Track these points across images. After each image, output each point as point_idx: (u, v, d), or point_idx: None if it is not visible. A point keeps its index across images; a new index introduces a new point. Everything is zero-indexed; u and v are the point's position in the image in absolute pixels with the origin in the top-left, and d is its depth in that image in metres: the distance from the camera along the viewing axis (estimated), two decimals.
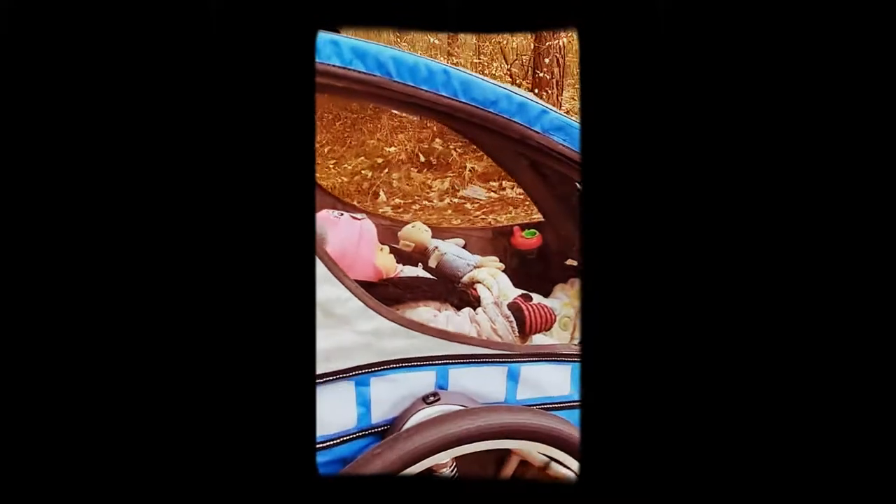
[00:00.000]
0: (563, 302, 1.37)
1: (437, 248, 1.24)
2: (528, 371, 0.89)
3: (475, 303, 1.13)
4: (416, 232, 1.26)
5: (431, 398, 0.82)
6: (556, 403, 0.91)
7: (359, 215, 1.06)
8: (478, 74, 0.78)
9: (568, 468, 0.84)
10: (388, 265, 1.07)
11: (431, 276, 1.16)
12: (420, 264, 1.21)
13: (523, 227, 1.49)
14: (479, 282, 1.20)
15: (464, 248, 1.32)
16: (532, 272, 1.45)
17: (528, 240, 1.46)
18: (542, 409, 0.88)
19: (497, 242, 1.48)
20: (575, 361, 0.93)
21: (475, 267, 1.25)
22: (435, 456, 0.76)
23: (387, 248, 1.09)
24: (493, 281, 1.20)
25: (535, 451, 0.84)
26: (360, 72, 0.70)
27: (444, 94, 0.75)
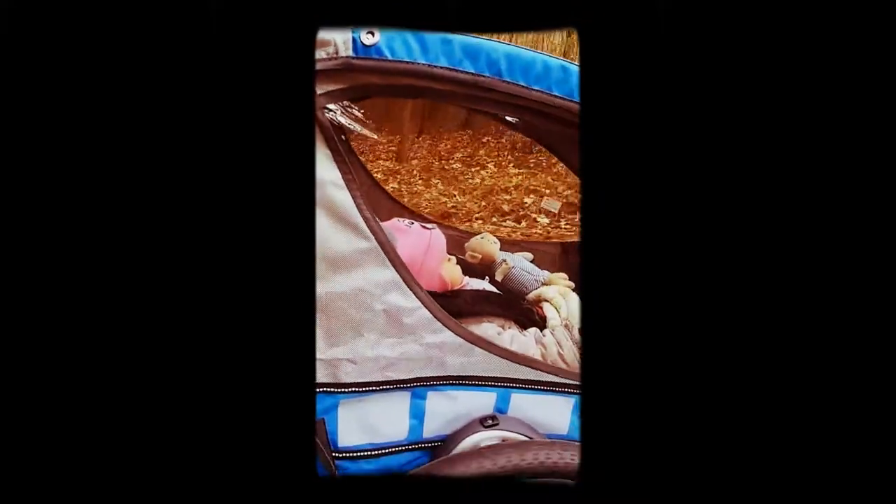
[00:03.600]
0: None
1: (504, 261, 1.20)
2: None
3: (541, 322, 1.08)
4: (485, 243, 1.22)
5: (489, 421, 0.78)
6: None
7: (429, 225, 1.03)
8: None
9: None
10: (454, 276, 1.04)
11: (497, 291, 1.12)
12: (487, 277, 1.17)
13: None
14: (546, 300, 1.15)
15: (532, 262, 1.27)
16: None
17: None
18: None
19: (566, 259, 1.42)
20: None
21: (543, 283, 1.20)
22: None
23: (454, 259, 1.06)
24: (562, 300, 1.14)
25: None
26: (468, 73, 0.66)
27: (557, 93, 0.69)
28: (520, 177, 3.80)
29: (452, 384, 0.77)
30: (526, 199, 3.40)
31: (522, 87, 0.68)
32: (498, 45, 0.66)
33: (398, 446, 0.77)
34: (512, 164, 4.07)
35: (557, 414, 0.82)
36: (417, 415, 0.77)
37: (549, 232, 2.98)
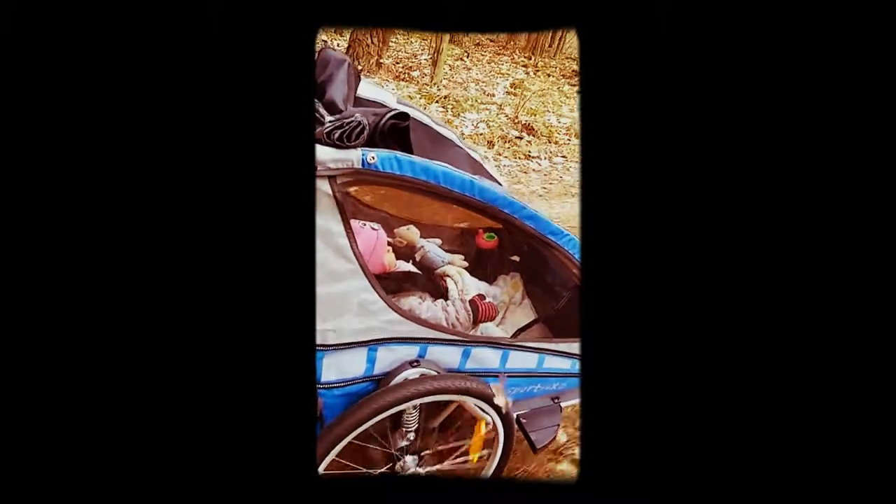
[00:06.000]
0: (503, 290, 1.87)
1: (422, 246, 1.69)
2: (476, 352, 1.38)
3: (444, 292, 1.60)
4: (409, 233, 1.70)
5: (414, 363, 1.30)
6: (489, 373, 1.42)
7: (375, 226, 1.48)
8: (491, 183, 1.24)
9: (488, 413, 1.36)
10: (391, 262, 1.51)
11: (417, 271, 1.62)
12: (411, 260, 1.66)
13: (485, 230, 1.95)
14: (448, 276, 1.67)
15: (440, 247, 1.77)
16: (486, 264, 1.93)
17: (489, 241, 1.93)
18: (480, 375, 1.39)
19: (464, 239, 1.94)
20: (506, 348, 1.44)
21: (447, 263, 1.71)
22: (407, 403, 1.25)
23: (391, 249, 1.53)
24: (459, 277, 1.67)
25: (470, 402, 1.35)
26: (423, 180, 1.14)
27: (468, 194, 1.21)
28: None
29: (393, 342, 1.28)
30: None
31: (451, 189, 1.17)
32: (437, 168, 1.13)
33: (357, 380, 1.28)
34: None
35: (453, 358, 1.36)
36: (371, 360, 1.27)
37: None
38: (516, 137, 4.70)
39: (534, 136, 4.81)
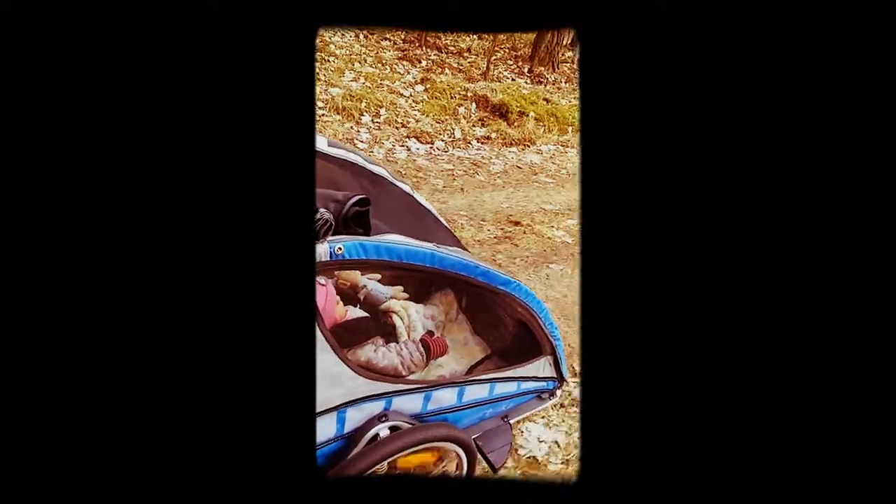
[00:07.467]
0: (439, 308, 1.95)
1: (365, 286, 1.71)
2: (435, 395, 1.46)
3: (392, 330, 1.65)
4: (352, 274, 1.71)
5: (382, 417, 1.35)
6: (448, 409, 1.51)
7: (322, 280, 1.49)
8: (448, 252, 1.28)
9: (458, 453, 1.46)
10: (342, 313, 1.53)
11: (366, 313, 1.64)
12: (357, 304, 1.68)
13: None
14: (393, 311, 1.71)
15: (378, 281, 1.80)
16: (422, 284, 1.99)
17: None
18: (440, 413, 1.47)
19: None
20: (461, 385, 1.53)
21: (389, 298, 1.75)
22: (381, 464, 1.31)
23: (340, 300, 1.54)
24: (404, 312, 1.72)
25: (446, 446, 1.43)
26: (386, 260, 1.16)
27: (429, 265, 1.26)
28: None
29: (360, 401, 1.32)
30: None
31: (414, 263, 1.21)
32: (400, 247, 1.17)
33: (329, 440, 1.31)
34: None
35: (415, 403, 1.43)
36: (341, 421, 1.31)
37: None
38: None
39: None
